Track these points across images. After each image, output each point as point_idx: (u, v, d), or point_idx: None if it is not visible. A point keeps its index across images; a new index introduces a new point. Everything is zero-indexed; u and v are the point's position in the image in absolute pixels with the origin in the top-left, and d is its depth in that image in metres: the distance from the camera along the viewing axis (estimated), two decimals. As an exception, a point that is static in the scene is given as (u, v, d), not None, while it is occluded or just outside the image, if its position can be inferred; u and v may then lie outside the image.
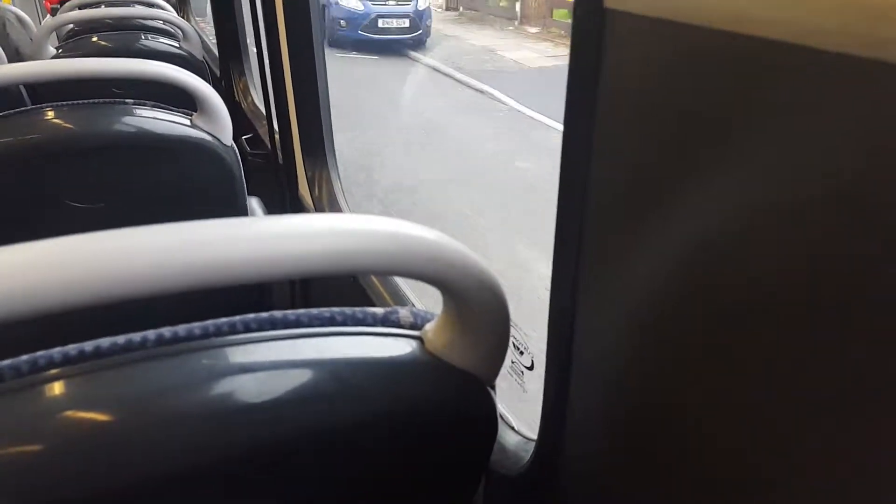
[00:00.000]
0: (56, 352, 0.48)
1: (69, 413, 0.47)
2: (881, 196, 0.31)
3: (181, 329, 0.51)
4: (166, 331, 0.50)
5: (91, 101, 1.39)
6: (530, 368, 0.87)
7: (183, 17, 3.39)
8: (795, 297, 0.36)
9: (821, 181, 0.34)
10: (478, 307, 0.55)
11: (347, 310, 0.57)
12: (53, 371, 0.47)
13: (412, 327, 0.59)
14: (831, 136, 0.33)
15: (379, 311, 0.59)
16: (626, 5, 0.44)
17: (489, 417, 0.62)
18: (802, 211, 0.35)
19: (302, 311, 0.55)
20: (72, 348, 0.48)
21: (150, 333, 0.50)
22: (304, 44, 1.56)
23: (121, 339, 0.49)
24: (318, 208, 1.65)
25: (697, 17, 0.39)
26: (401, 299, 1.31)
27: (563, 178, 0.54)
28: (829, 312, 0.34)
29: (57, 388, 0.47)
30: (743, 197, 0.39)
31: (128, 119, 1.38)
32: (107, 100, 1.40)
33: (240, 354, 0.52)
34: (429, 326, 0.59)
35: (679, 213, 0.44)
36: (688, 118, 0.41)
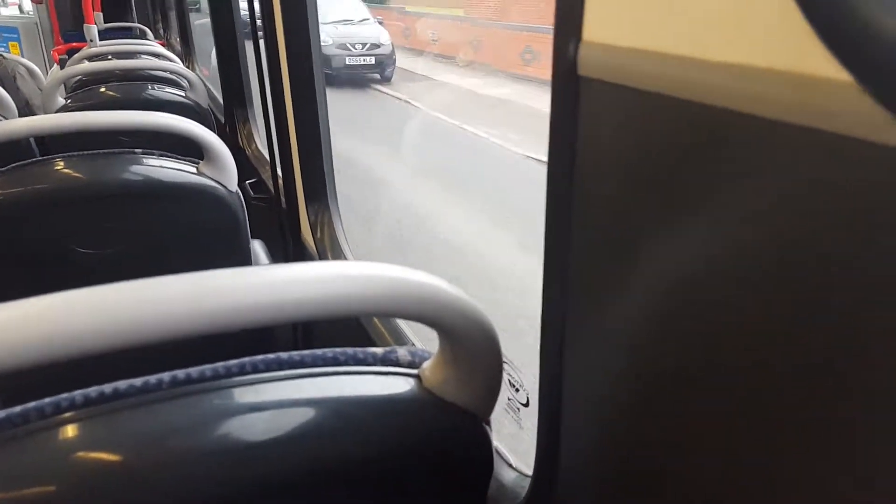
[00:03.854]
0: (78, 394, 0.51)
1: (91, 453, 0.50)
2: (823, 246, 0.35)
3: (194, 371, 0.54)
4: (180, 373, 0.54)
5: (101, 151, 1.44)
6: (526, 405, 0.90)
7: (188, 68, 3.49)
8: (776, 341, 0.40)
9: (771, 231, 0.38)
10: (471, 346, 0.58)
11: (349, 350, 0.61)
12: (76, 412, 0.51)
13: (410, 366, 0.63)
14: (778, 193, 0.37)
15: (379, 350, 0.63)
16: (596, 73, 0.49)
17: (485, 453, 0.65)
18: (763, 258, 0.39)
19: (306, 352, 0.58)
20: (92, 390, 0.51)
21: (165, 375, 0.53)
22: (307, 92, 1.62)
23: (138, 381, 0.53)
24: (321, 251, 1.69)
25: (662, 87, 0.44)
26: (400, 338, 1.34)
27: (548, 225, 0.59)
28: (815, 359, 0.38)
29: (79, 428, 0.51)
30: (712, 247, 0.43)
31: (136, 168, 1.43)
32: (116, 150, 1.45)
33: (249, 394, 0.55)
34: (426, 365, 0.62)
35: (656, 259, 0.48)
36: (656, 176, 0.46)
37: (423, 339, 1.35)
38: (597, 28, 0.49)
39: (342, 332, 1.53)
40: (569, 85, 0.51)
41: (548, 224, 0.59)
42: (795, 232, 0.36)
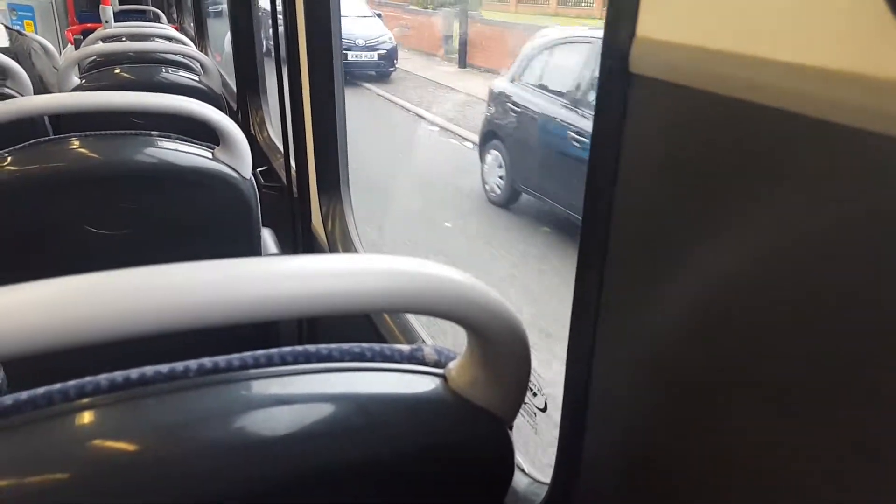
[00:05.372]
0: (102, 378, 0.50)
1: (112, 438, 0.49)
2: (884, 259, 0.33)
3: (221, 360, 0.53)
4: (207, 361, 0.52)
5: (117, 132, 1.43)
6: (543, 410, 0.88)
7: (202, 52, 3.47)
8: (809, 352, 0.38)
9: (828, 241, 0.36)
10: (501, 347, 0.57)
11: (376, 346, 0.59)
12: (99, 397, 0.49)
13: (436, 365, 0.61)
14: (838, 201, 0.35)
15: (405, 348, 0.61)
16: (649, 71, 0.47)
17: (506, 457, 0.63)
18: (812, 269, 0.37)
19: (333, 346, 0.57)
20: (118, 375, 0.50)
21: (192, 363, 0.52)
22: (325, 83, 1.60)
23: (164, 368, 0.51)
24: (332, 243, 1.67)
25: (716, 86, 0.42)
26: (410, 333, 1.33)
27: (585, 229, 0.57)
28: (844, 368, 0.36)
29: (102, 413, 0.49)
30: (756, 253, 0.41)
31: (152, 151, 1.42)
32: (132, 132, 1.44)
33: (276, 386, 0.54)
34: (452, 364, 0.61)
35: (695, 268, 0.46)
36: (704, 178, 0.44)
37: (434, 335, 1.34)
38: (652, 23, 0.47)
39: (348, 325, 1.52)
40: (619, 82, 0.49)
41: (584, 225, 0.57)
42: (859, 246, 0.35)
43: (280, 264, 0.48)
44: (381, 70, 10.10)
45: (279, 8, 1.71)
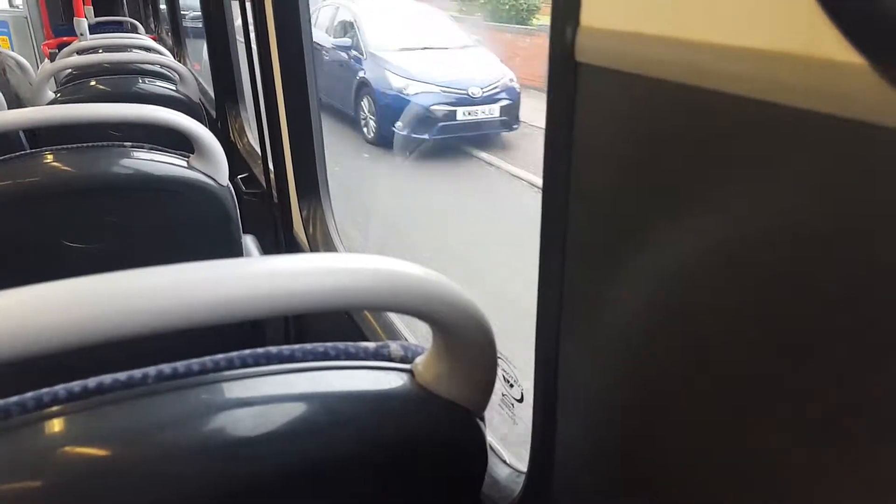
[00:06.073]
0: (60, 388, 0.50)
1: (73, 448, 0.49)
2: (836, 239, 0.34)
3: (180, 365, 0.53)
4: (166, 367, 0.53)
5: (89, 144, 1.43)
6: (520, 401, 0.89)
7: (179, 61, 3.46)
8: (774, 338, 0.38)
9: (780, 223, 0.37)
10: (465, 340, 0.57)
11: (340, 344, 0.59)
12: (58, 407, 0.49)
13: (403, 361, 0.61)
14: (790, 184, 0.36)
15: (371, 345, 0.61)
16: (594, 59, 0.48)
17: (479, 448, 0.63)
18: (769, 253, 0.38)
19: (296, 346, 0.57)
20: (76, 385, 0.50)
21: (151, 370, 0.52)
22: (299, 87, 1.60)
23: (122, 375, 0.51)
24: (313, 246, 1.67)
25: (662, 72, 0.42)
26: (393, 333, 1.33)
27: (544, 216, 0.57)
28: (809, 351, 0.37)
29: (61, 423, 0.49)
30: (713, 238, 0.41)
31: (125, 161, 1.41)
32: (105, 143, 1.43)
33: (236, 389, 0.54)
34: (419, 360, 0.61)
35: (654, 253, 0.47)
36: (655, 165, 0.45)
37: (417, 334, 1.34)
38: (596, 12, 0.47)
39: (335, 329, 1.52)
40: (566, 72, 0.50)
41: (544, 217, 0.57)
42: (805, 225, 0.35)
43: (237, 267, 0.48)
44: (500, 130, 6.03)
45: (251, 18, 1.70)
